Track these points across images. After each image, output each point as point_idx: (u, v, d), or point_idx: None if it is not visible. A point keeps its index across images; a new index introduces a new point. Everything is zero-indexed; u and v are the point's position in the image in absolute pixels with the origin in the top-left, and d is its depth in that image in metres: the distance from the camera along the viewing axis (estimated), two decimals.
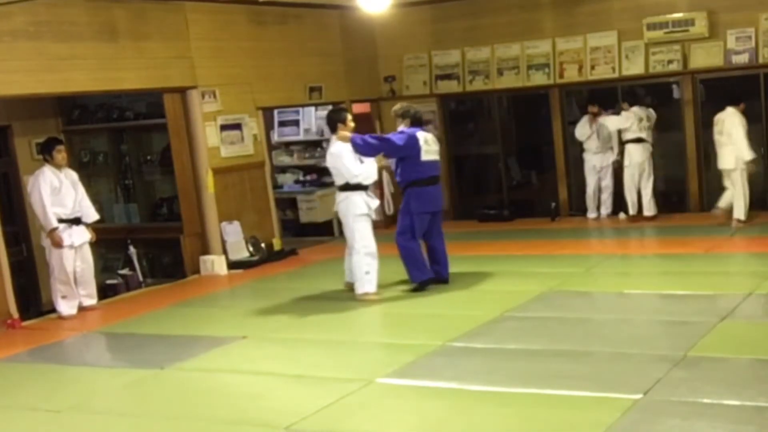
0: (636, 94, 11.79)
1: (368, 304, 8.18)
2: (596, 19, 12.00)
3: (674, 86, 11.96)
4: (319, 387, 5.94)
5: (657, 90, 12.08)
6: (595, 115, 11.78)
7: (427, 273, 8.51)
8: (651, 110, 11.55)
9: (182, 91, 10.51)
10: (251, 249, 10.86)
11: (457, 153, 13.32)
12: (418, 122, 8.74)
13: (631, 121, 11.33)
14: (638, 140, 11.37)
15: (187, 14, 10.43)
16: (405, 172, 8.58)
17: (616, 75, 11.96)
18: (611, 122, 11.58)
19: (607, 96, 12.03)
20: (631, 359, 5.92)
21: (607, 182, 12.02)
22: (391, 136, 8.68)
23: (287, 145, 13.63)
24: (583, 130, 11.94)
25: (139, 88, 10.10)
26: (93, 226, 9.18)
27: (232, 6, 10.98)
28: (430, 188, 8.59)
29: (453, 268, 8.80)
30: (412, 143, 8.48)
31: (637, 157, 11.40)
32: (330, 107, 12.82)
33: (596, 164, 11.96)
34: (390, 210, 12.79)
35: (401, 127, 8.69)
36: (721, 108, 10.84)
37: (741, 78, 11.50)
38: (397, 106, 8.90)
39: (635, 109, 11.43)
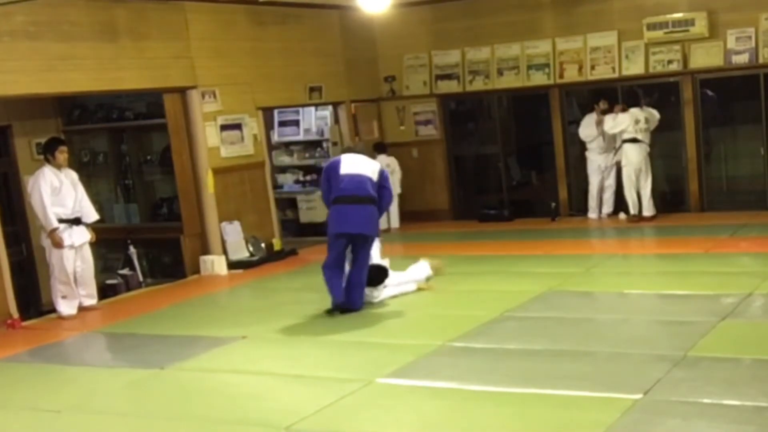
0: (636, 95, 11.79)
1: (367, 304, 8.17)
2: (596, 19, 12.00)
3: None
4: (319, 387, 5.94)
5: (657, 90, 12.10)
6: (604, 113, 11.74)
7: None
8: (654, 111, 11.52)
9: (182, 91, 10.51)
10: (251, 249, 10.86)
11: (457, 153, 13.33)
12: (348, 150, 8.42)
13: (626, 123, 11.32)
14: (634, 140, 11.37)
15: (187, 14, 10.43)
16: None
17: (616, 75, 11.96)
18: (606, 126, 11.55)
19: (607, 96, 12.00)
20: (631, 359, 5.91)
21: (610, 182, 12.02)
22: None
23: (287, 145, 13.63)
24: (588, 130, 11.92)
25: (139, 88, 10.10)
26: (93, 226, 9.18)
27: (232, 6, 10.98)
28: (347, 207, 7.92)
29: (453, 268, 8.80)
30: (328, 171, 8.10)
31: (633, 157, 11.40)
32: (330, 107, 12.93)
33: (600, 164, 11.95)
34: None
35: None
36: (722, 108, 10.89)
37: (741, 78, 11.51)
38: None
39: (633, 110, 11.42)
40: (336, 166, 8.08)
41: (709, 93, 11.79)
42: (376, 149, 12.75)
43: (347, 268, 8.05)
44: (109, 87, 9.74)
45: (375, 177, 7.99)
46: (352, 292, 7.97)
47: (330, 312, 7.94)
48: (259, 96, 11.32)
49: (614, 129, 11.43)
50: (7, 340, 8.13)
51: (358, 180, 7.92)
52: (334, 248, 7.99)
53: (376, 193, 7.98)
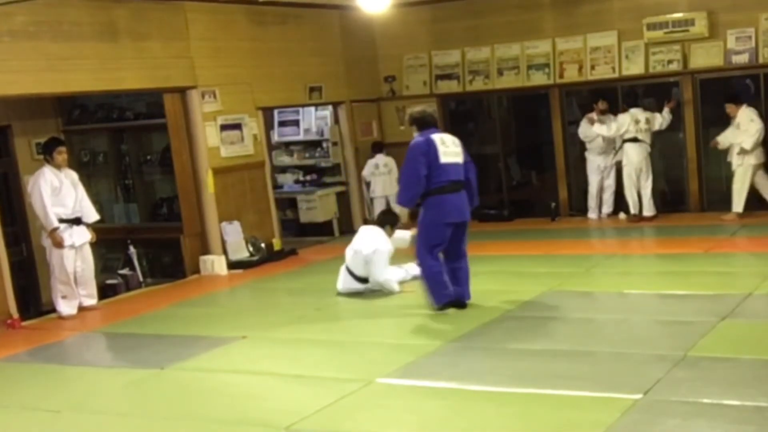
0: (636, 96, 11.79)
1: (367, 303, 8.17)
2: (596, 19, 12.00)
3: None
4: (319, 387, 5.94)
5: (657, 90, 12.10)
6: (603, 113, 11.75)
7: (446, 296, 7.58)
8: (658, 114, 11.49)
9: (182, 91, 10.51)
10: (251, 249, 10.86)
11: None
12: (426, 124, 7.69)
13: (627, 124, 11.31)
14: (635, 140, 11.36)
15: (187, 14, 10.43)
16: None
17: (616, 75, 11.96)
18: (604, 131, 11.53)
19: (607, 96, 12.01)
20: (631, 359, 5.91)
21: (610, 182, 12.02)
22: (402, 169, 7.75)
23: (287, 145, 13.64)
24: (587, 131, 11.93)
25: (139, 88, 10.10)
26: (93, 226, 9.18)
27: (232, 6, 10.99)
28: (450, 196, 7.50)
29: None
30: (420, 151, 7.45)
31: (634, 156, 11.40)
32: (330, 107, 12.93)
33: (600, 164, 11.96)
34: (370, 215, 12.91)
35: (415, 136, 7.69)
36: (721, 108, 10.90)
37: (741, 78, 11.51)
38: (407, 114, 8.01)
39: (633, 110, 11.42)
40: (434, 150, 7.44)
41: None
42: (373, 149, 12.78)
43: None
44: (109, 87, 9.74)
45: (461, 155, 7.61)
46: (465, 284, 7.67)
47: (443, 308, 7.50)
48: (259, 96, 11.32)
49: (618, 131, 11.40)
50: (7, 340, 8.13)
51: (455, 168, 7.52)
52: (440, 238, 7.50)
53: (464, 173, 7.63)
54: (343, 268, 8.61)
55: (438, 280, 7.55)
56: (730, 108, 10.92)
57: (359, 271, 8.49)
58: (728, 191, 11.13)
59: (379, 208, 12.61)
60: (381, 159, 12.62)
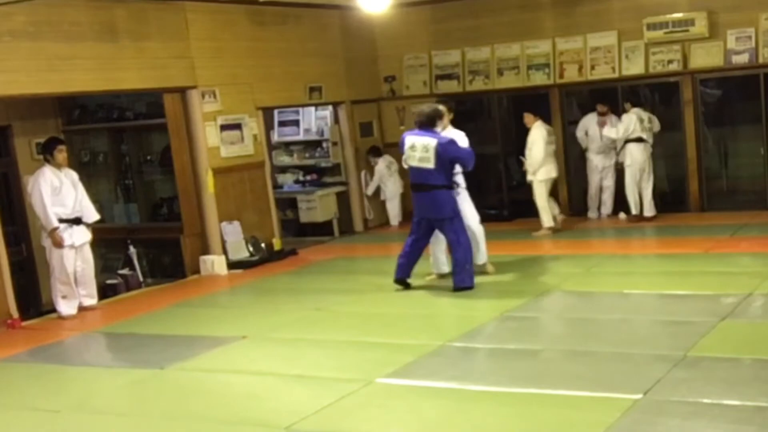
0: (638, 96, 11.78)
1: (367, 303, 8.17)
2: (596, 19, 11.99)
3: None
4: (319, 387, 5.94)
5: (658, 90, 12.10)
6: (603, 115, 11.77)
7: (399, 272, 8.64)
8: (655, 118, 11.51)
9: (182, 91, 10.50)
10: (251, 249, 10.86)
11: None
12: (419, 123, 8.54)
13: (632, 125, 11.30)
14: (639, 140, 11.36)
15: (187, 14, 10.43)
16: None
17: (616, 75, 11.95)
18: (613, 133, 11.51)
19: (607, 96, 12.01)
20: (631, 359, 5.92)
21: (609, 182, 12.02)
22: None
23: (287, 145, 13.64)
24: (581, 135, 11.99)
25: (139, 88, 10.10)
26: (93, 226, 9.18)
27: (232, 6, 10.98)
28: (414, 194, 8.60)
29: (449, 267, 8.78)
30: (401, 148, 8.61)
31: (638, 156, 11.39)
32: (330, 107, 12.94)
33: (599, 164, 11.96)
34: (370, 215, 13.04)
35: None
36: (721, 107, 10.90)
37: (741, 78, 11.51)
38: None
39: (635, 110, 11.42)
40: (403, 150, 8.56)
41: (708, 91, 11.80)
42: (375, 153, 12.80)
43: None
44: (109, 87, 9.74)
45: (432, 160, 8.28)
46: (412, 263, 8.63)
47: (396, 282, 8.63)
48: (259, 96, 11.32)
49: (626, 132, 11.35)
50: (7, 340, 8.13)
51: (419, 172, 8.43)
52: (413, 226, 8.71)
53: (441, 173, 8.34)
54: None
55: (398, 262, 8.65)
56: (527, 118, 11.20)
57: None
58: (728, 191, 11.13)
59: (394, 209, 12.71)
60: (388, 159, 12.70)
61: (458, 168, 8.61)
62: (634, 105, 11.46)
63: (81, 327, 8.52)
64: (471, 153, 8.55)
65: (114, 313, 9.01)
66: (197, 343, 7.32)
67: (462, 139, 8.68)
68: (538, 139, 11.05)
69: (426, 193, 8.39)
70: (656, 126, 11.50)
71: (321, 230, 12.64)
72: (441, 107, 8.66)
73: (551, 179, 11.31)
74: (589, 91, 12.47)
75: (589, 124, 11.97)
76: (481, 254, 8.89)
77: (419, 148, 8.34)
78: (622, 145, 11.54)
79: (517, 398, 5.41)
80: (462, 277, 8.33)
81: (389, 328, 7.42)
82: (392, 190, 12.84)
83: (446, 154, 8.29)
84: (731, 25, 11.21)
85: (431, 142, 8.28)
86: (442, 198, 8.37)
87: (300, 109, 13.26)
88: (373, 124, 13.31)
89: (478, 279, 8.56)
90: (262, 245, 10.99)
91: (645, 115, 11.41)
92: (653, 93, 12.28)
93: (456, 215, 8.45)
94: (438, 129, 8.46)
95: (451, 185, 8.47)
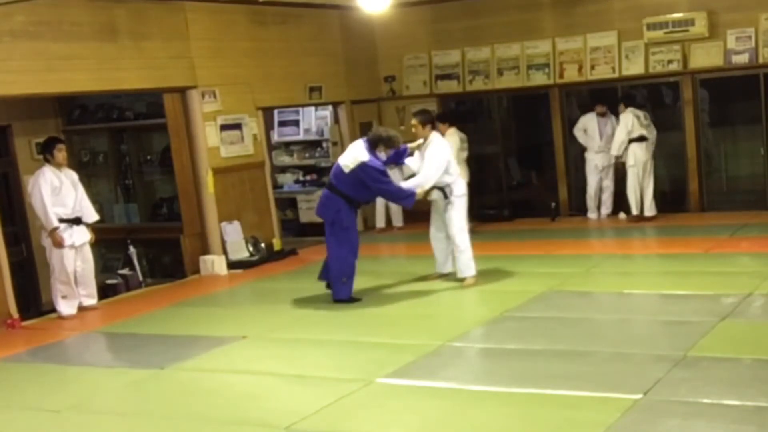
0: (633, 98, 11.77)
1: (367, 303, 8.17)
2: (596, 19, 12.00)
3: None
4: (319, 387, 5.94)
5: (656, 90, 12.10)
6: (602, 115, 11.78)
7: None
8: (651, 124, 11.51)
9: (182, 91, 10.50)
10: (251, 249, 10.86)
11: None
12: (367, 140, 8.26)
13: (632, 123, 11.30)
14: (641, 138, 11.35)
15: (187, 14, 10.43)
16: None
17: (616, 75, 11.96)
18: (619, 135, 11.48)
19: (607, 96, 12.01)
20: (631, 359, 5.92)
21: (608, 182, 12.03)
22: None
23: (287, 145, 13.65)
24: (579, 134, 12.02)
25: (139, 88, 10.10)
26: (93, 226, 9.17)
27: (232, 6, 10.98)
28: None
29: (453, 267, 8.79)
30: None
31: (641, 155, 11.39)
32: (330, 107, 12.94)
33: (598, 164, 11.96)
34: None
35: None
36: (721, 107, 10.90)
37: (741, 78, 11.51)
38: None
39: (631, 108, 11.42)
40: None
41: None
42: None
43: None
44: (109, 87, 9.73)
45: (350, 167, 8.11)
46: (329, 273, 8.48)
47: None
48: (259, 96, 11.32)
49: (626, 129, 11.35)
50: (7, 340, 8.13)
51: (335, 168, 8.39)
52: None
53: (346, 182, 8.16)
54: None
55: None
56: (442, 127, 10.35)
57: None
58: (728, 191, 11.13)
59: (397, 208, 12.63)
60: None
61: (453, 173, 8.52)
62: (628, 106, 11.45)
63: (81, 327, 8.52)
64: (403, 191, 8.26)
65: (114, 313, 9.01)
66: (197, 343, 7.32)
67: (436, 154, 8.39)
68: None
69: (326, 192, 8.39)
70: (653, 131, 11.48)
71: (321, 230, 12.56)
72: (393, 137, 8.29)
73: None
74: (589, 91, 12.47)
75: (588, 123, 11.98)
76: (461, 268, 8.59)
77: (349, 149, 8.41)
78: (626, 146, 11.53)
79: (517, 398, 5.41)
80: (337, 289, 8.28)
81: (389, 328, 7.42)
82: None
83: (363, 174, 8.04)
84: (731, 25, 11.21)
85: (363, 157, 8.08)
86: (333, 202, 8.24)
87: (300, 109, 13.27)
88: (373, 124, 13.30)
89: (477, 280, 8.57)
90: (262, 245, 10.99)
91: (640, 112, 11.42)
92: (652, 93, 12.26)
93: (337, 223, 8.25)
94: (379, 153, 8.18)
95: (353, 202, 8.27)
